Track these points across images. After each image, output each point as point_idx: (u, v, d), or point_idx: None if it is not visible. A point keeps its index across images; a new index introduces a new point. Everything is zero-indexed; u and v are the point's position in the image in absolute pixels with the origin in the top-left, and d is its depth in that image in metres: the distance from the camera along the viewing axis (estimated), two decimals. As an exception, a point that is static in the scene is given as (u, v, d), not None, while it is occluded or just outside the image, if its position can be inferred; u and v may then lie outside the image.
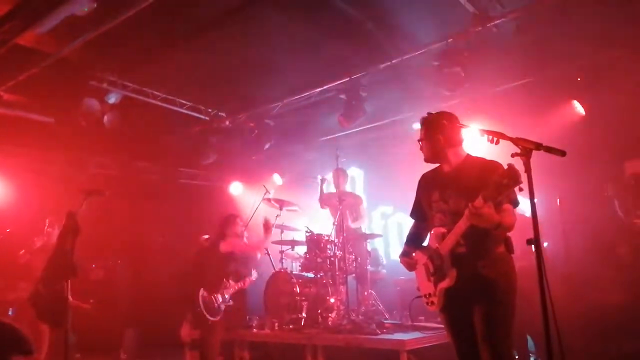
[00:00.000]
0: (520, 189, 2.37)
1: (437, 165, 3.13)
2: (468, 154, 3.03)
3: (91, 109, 6.52)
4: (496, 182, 2.44)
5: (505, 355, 2.70)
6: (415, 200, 3.24)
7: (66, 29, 5.19)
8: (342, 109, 6.90)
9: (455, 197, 2.87)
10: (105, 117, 6.70)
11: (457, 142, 3.01)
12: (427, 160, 3.12)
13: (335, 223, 6.24)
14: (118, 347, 7.08)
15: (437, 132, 2.98)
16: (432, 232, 2.98)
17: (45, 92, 6.54)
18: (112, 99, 6.74)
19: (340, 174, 6.73)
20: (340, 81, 6.81)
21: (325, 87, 7.01)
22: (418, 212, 3.21)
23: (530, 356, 5.08)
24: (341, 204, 6.08)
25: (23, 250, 6.42)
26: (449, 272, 2.83)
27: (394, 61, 6.23)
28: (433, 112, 3.10)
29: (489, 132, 2.57)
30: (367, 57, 6.28)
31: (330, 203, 6.78)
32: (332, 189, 6.91)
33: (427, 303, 3.02)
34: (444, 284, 2.85)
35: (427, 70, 5.97)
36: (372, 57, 6.28)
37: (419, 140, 3.12)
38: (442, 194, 2.95)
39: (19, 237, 7.18)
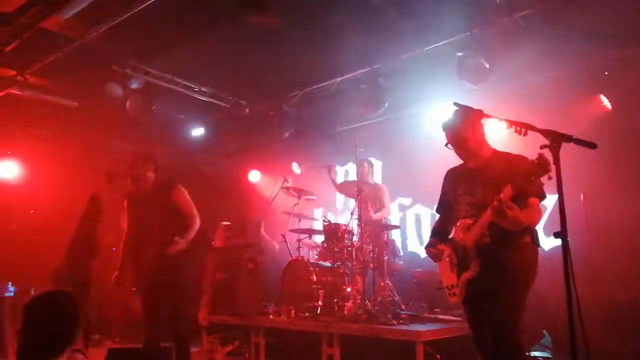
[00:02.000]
0: (550, 177, 2.34)
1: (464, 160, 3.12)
2: (494, 150, 3.04)
3: (114, 93, 6.59)
4: (526, 170, 2.44)
5: (512, 340, 2.73)
6: (441, 195, 3.24)
7: (91, 14, 5.24)
8: (362, 98, 6.85)
9: (482, 190, 2.86)
10: (128, 103, 6.77)
11: (484, 139, 3.02)
12: (459, 155, 3.10)
13: (353, 213, 6.23)
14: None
15: (468, 128, 2.96)
16: (458, 224, 2.97)
17: (70, 77, 6.63)
18: (135, 84, 6.79)
19: (366, 164, 6.72)
20: (361, 70, 6.76)
21: (345, 76, 6.97)
22: (444, 206, 3.22)
23: (545, 350, 5.04)
24: (359, 194, 6.06)
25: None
26: (472, 263, 2.82)
27: (416, 51, 6.16)
28: (462, 106, 2.99)
29: (517, 124, 2.54)
30: (388, 47, 6.20)
31: (347, 192, 6.73)
32: (349, 178, 6.87)
33: (450, 294, 3.02)
34: (467, 275, 2.85)
35: (450, 61, 5.90)
36: (394, 47, 6.20)
37: (456, 134, 3.05)
38: (469, 187, 2.95)
39: (42, 219, 7.33)
